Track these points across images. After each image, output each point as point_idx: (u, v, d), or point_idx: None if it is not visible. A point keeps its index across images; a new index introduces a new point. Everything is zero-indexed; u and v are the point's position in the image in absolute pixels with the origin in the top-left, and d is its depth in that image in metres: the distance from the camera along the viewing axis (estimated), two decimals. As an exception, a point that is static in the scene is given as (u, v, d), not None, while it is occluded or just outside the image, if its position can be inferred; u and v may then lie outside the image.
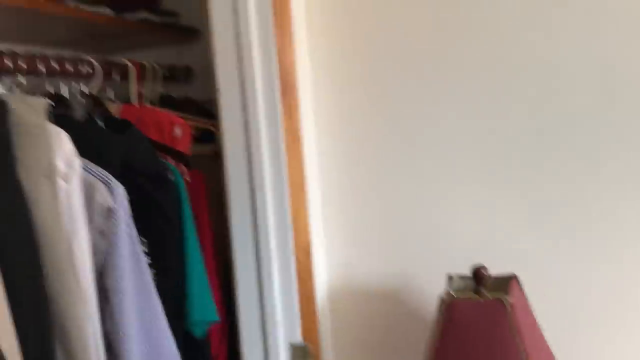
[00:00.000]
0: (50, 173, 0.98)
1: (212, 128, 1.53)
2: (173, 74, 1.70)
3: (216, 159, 1.39)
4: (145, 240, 1.22)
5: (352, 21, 1.42)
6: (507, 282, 1.19)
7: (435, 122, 1.38)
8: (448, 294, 1.18)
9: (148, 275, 1.16)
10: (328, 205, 1.47)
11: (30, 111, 1.01)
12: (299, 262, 1.34)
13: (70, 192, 1.01)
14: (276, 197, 1.31)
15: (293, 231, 1.32)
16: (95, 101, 1.37)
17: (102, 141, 1.20)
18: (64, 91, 1.33)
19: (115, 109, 1.42)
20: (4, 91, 1.07)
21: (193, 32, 1.77)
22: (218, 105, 1.32)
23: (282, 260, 1.32)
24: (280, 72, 1.30)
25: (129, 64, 1.49)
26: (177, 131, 1.42)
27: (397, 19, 1.39)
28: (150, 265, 1.21)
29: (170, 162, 1.37)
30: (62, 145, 1.02)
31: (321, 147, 1.46)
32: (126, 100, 1.51)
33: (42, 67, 1.25)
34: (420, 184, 1.40)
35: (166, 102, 1.67)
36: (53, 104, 1.16)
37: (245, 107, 1.30)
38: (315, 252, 1.41)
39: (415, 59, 1.38)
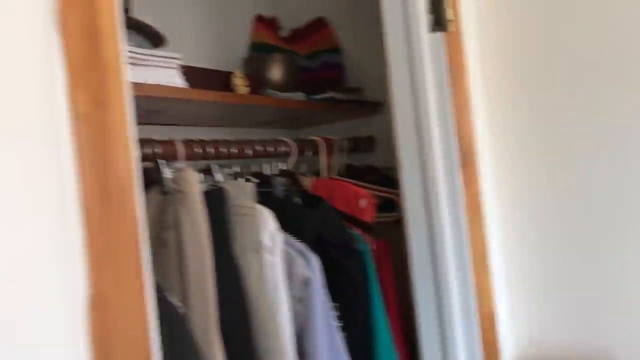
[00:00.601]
0: (258, 248, 1.15)
1: (394, 198, 1.61)
2: (357, 145, 1.84)
3: (399, 224, 1.46)
4: (336, 305, 1.33)
5: (528, 88, 1.42)
6: None
7: (628, 189, 1.31)
8: (649, 374, 1.10)
9: (339, 338, 1.26)
10: (513, 274, 1.46)
11: (242, 195, 1.19)
12: (483, 329, 1.34)
13: (274, 264, 1.16)
14: (458, 265, 1.34)
15: (476, 298, 1.34)
16: (291, 176, 1.54)
17: (299, 216, 1.35)
18: (265, 169, 1.52)
19: (307, 182, 1.58)
20: (222, 178, 1.26)
21: (375, 105, 1.89)
22: (400, 177, 1.40)
23: (466, 326, 1.34)
24: (459, 143, 1.35)
25: (320, 140, 1.65)
26: (362, 203, 1.53)
27: (574, 85, 1.36)
28: (341, 328, 1.32)
29: (356, 232, 1.48)
30: (268, 223, 1.18)
31: (504, 214, 1.46)
32: (316, 173, 1.67)
33: (249, 151, 1.44)
34: (613, 253, 1.33)
35: (350, 171, 1.80)
36: (258, 182, 1.35)
37: (425, 179, 1.36)
38: (502, 322, 1.40)
39: (604, 127, 1.33)
